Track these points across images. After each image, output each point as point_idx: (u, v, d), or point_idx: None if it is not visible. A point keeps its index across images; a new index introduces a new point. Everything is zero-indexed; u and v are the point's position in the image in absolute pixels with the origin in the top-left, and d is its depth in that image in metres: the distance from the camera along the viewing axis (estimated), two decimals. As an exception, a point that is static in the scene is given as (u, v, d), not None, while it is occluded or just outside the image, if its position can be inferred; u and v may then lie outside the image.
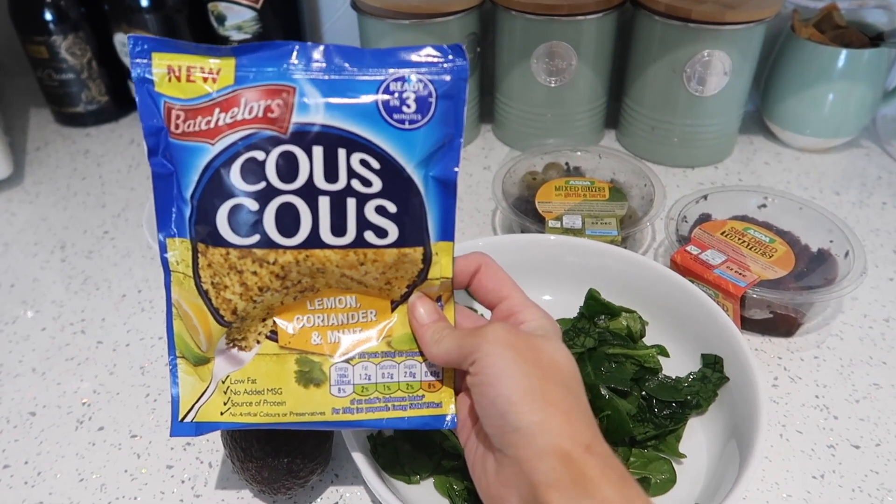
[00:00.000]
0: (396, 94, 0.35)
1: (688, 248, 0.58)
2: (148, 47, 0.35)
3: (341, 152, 0.35)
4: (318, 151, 0.35)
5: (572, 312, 0.56)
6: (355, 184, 0.35)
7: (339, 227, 0.35)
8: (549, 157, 0.71)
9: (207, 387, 0.38)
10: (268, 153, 0.34)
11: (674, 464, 0.46)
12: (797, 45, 0.76)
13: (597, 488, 0.30)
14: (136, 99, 0.35)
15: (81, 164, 0.83)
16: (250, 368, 0.38)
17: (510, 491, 0.32)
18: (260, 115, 0.34)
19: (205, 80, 0.35)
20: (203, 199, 0.35)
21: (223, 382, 0.38)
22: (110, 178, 0.80)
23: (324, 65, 0.35)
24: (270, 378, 0.38)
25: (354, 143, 0.35)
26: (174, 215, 0.35)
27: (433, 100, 0.36)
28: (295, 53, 0.35)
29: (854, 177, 0.78)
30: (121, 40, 0.82)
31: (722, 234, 0.60)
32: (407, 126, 0.35)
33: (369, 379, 0.38)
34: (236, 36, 0.81)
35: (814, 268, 0.57)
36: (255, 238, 0.35)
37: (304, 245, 0.35)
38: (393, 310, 0.38)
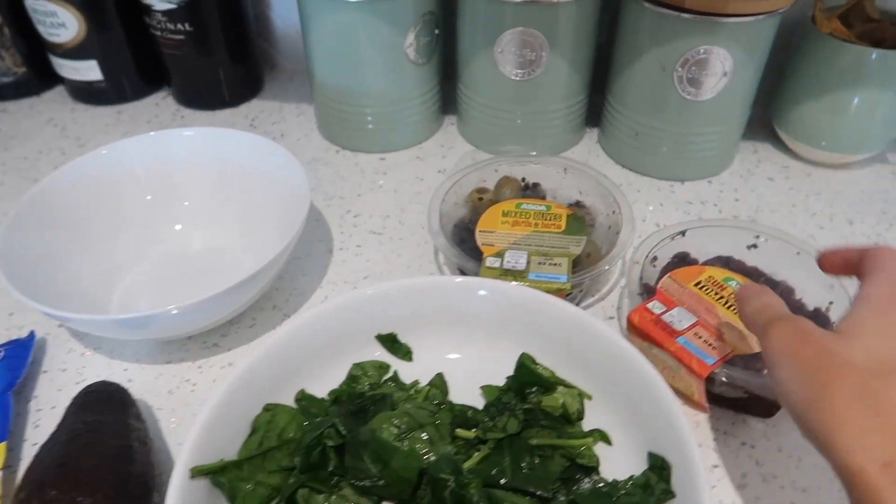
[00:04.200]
0: None
1: (649, 306, 0.47)
2: None
3: None
4: None
5: (503, 379, 0.46)
6: None
7: None
8: (507, 168, 0.60)
9: None
10: None
11: None
12: (817, 40, 0.63)
13: None
14: None
15: (-11, 146, 0.74)
16: None
17: None
18: None
19: None
20: None
21: None
22: (14, 165, 0.71)
23: None
24: None
25: None
26: None
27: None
28: None
29: (875, 201, 0.65)
30: (30, 6, 0.72)
31: (696, 285, 0.49)
32: None
33: None
34: (159, 5, 0.69)
35: (806, 336, 0.46)
36: None
37: None
38: None
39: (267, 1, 0.80)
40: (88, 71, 0.76)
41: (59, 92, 0.82)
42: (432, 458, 0.40)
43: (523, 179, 0.59)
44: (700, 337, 0.45)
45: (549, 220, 0.54)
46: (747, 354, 0.44)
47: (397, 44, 0.64)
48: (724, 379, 0.43)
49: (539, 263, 0.50)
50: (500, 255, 0.51)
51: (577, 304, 0.54)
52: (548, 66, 0.64)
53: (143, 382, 0.50)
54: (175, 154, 0.57)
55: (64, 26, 0.72)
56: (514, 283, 0.47)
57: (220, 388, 0.41)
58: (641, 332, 0.46)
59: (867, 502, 0.26)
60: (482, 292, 0.46)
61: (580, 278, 0.49)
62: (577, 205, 0.58)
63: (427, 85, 0.70)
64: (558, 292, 0.47)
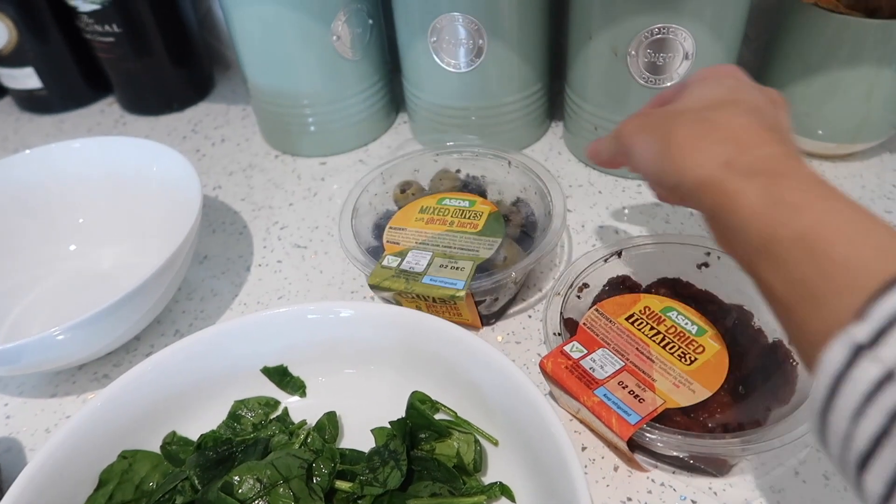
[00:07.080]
0: None
1: (566, 349, 0.39)
2: None
3: None
4: None
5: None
6: None
7: None
8: (446, 159, 0.53)
9: None
10: None
11: None
12: (802, 12, 0.54)
13: (739, 198, 0.28)
14: None
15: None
16: None
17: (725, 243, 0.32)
18: None
19: None
20: None
21: None
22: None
23: None
24: None
25: None
26: None
27: None
28: None
29: (879, 198, 0.56)
30: (-40, 13, 0.69)
31: (628, 318, 0.41)
32: None
33: None
34: (83, 7, 0.65)
35: (762, 375, 0.38)
36: None
37: None
38: None
39: (212, -3, 0.75)
40: (26, 79, 0.72)
41: (7, 102, 0.79)
42: (290, 521, 0.34)
43: (458, 171, 0.53)
44: (625, 387, 0.37)
45: (468, 218, 0.48)
46: (682, 409, 0.36)
47: (323, 36, 0.58)
48: (650, 440, 0.35)
49: (440, 266, 0.44)
50: (401, 254, 0.45)
51: (495, 320, 0.47)
52: (491, 54, 0.57)
53: (23, 419, 0.46)
54: (62, 169, 0.52)
55: (-6, 33, 0.69)
56: (385, 304, 0.41)
57: (57, 434, 0.36)
58: (555, 381, 0.38)
59: (717, 198, 0.29)
60: (344, 314, 0.40)
61: (480, 284, 0.42)
62: (517, 203, 0.50)
63: (366, 81, 0.64)
64: (452, 300, 0.41)
